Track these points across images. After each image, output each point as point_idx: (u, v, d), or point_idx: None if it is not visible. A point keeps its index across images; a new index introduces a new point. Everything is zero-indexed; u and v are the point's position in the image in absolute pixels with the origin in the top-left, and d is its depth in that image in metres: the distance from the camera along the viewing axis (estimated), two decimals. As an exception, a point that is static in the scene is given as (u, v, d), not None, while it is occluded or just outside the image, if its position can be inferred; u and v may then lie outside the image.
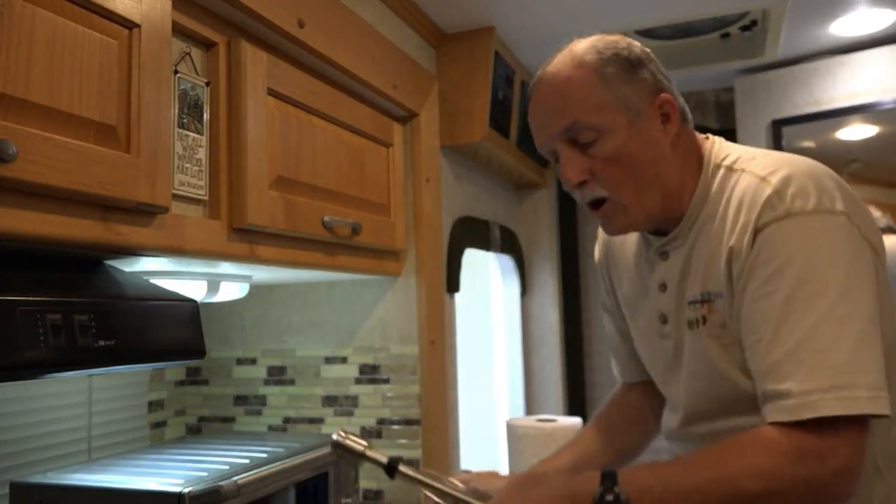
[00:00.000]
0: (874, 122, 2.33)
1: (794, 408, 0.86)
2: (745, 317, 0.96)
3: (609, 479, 0.86)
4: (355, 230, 1.44)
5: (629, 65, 1.02)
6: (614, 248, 1.24)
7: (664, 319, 1.10)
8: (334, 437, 1.06)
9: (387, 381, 1.73)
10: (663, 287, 1.10)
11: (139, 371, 1.69)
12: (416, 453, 1.70)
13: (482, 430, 2.54)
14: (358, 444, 1.05)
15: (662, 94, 1.03)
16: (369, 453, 1.04)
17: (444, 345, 1.86)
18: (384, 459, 1.03)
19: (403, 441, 1.71)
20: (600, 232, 1.27)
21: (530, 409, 2.71)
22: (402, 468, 1.02)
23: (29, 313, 0.80)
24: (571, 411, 2.75)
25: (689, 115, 1.09)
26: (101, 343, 0.88)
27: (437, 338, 1.80)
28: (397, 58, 1.70)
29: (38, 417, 1.42)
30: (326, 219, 1.35)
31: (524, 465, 1.80)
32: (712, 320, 1.02)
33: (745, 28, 2.06)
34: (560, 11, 1.91)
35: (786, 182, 0.95)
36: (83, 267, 1.00)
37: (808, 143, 2.36)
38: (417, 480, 1.02)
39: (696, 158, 1.07)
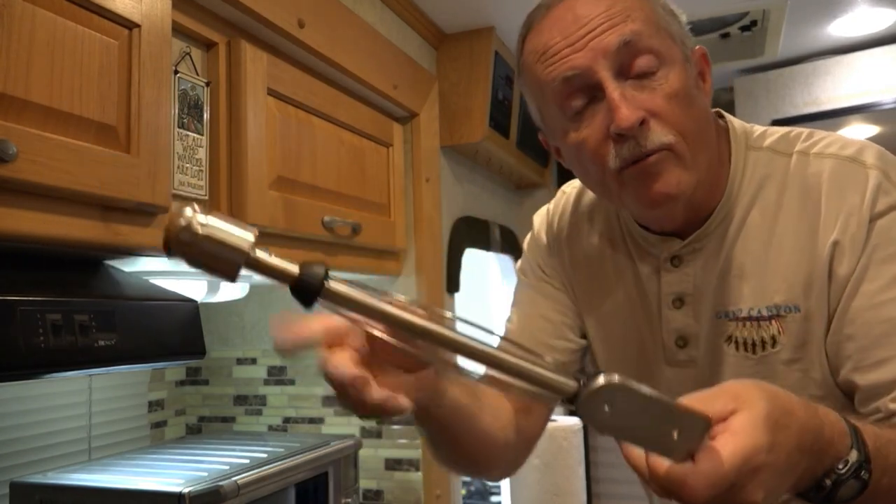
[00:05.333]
0: (874, 122, 2.33)
1: None
2: (856, 328, 0.76)
3: (861, 442, 0.63)
4: (355, 230, 1.44)
5: (670, 7, 0.83)
6: (570, 249, 0.98)
7: (683, 342, 0.88)
8: (168, 229, 0.51)
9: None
10: (679, 302, 0.87)
11: (139, 371, 1.69)
12: (416, 453, 1.70)
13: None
14: (232, 231, 0.53)
15: (699, 47, 0.83)
16: (261, 257, 0.56)
17: (444, 345, 1.85)
18: (293, 269, 0.56)
19: (403, 441, 1.71)
20: (541, 223, 1.03)
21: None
22: (332, 286, 0.56)
23: (29, 313, 0.80)
24: (571, 411, 2.75)
25: None
26: (102, 343, 0.88)
27: (437, 338, 1.80)
28: (397, 58, 1.70)
29: (38, 417, 1.42)
30: (326, 219, 1.35)
31: (524, 465, 1.80)
32: (784, 342, 0.81)
33: (745, 28, 2.06)
34: (560, 11, 1.91)
35: (885, 161, 0.79)
36: (83, 267, 1.00)
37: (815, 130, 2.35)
38: (360, 306, 0.55)
39: (723, 140, 0.86)
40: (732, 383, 0.59)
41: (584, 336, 0.99)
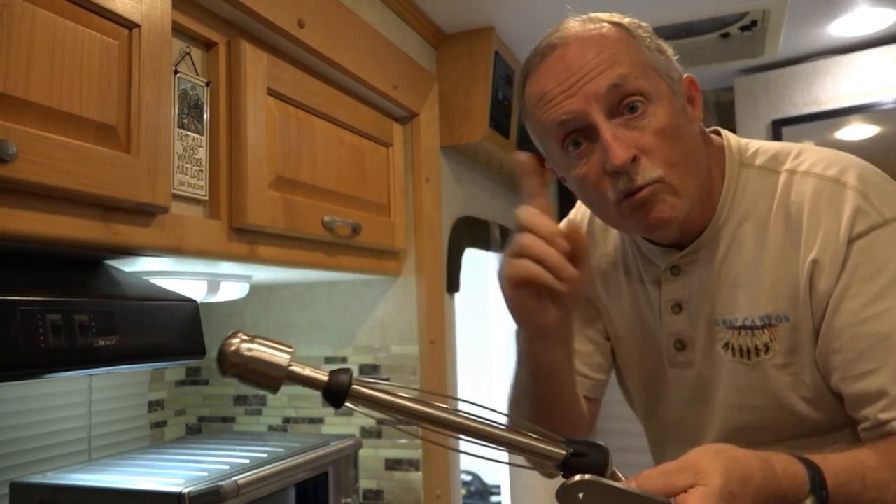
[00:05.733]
0: (874, 122, 2.33)
1: None
2: (843, 342, 0.82)
3: (819, 486, 0.72)
4: (355, 230, 1.44)
5: (655, 40, 0.89)
6: (594, 258, 1.04)
7: (681, 345, 0.95)
8: (220, 351, 0.62)
9: (387, 380, 1.73)
10: (677, 308, 0.94)
11: (139, 371, 1.69)
12: (416, 453, 1.70)
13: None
14: (275, 350, 0.63)
15: (687, 75, 0.89)
16: (297, 370, 0.64)
17: (444, 345, 1.86)
18: (322, 377, 0.64)
19: (403, 441, 1.71)
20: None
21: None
22: (356, 390, 0.64)
23: (29, 313, 0.80)
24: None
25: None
26: (102, 343, 0.88)
27: (437, 338, 1.80)
28: (397, 58, 1.70)
29: (38, 417, 1.42)
30: (326, 219, 1.35)
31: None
32: (777, 348, 0.87)
33: (745, 28, 2.06)
34: (560, 12, 1.90)
35: (864, 182, 0.84)
36: (83, 267, 1.00)
37: (809, 144, 2.35)
38: (383, 404, 0.65)
39: (714, 157, 0.92)
40: (697, 455, 0.68)
41: (607, 337, 1.07)
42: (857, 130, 2.35)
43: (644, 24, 0.90)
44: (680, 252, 0.93)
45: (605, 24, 0.86)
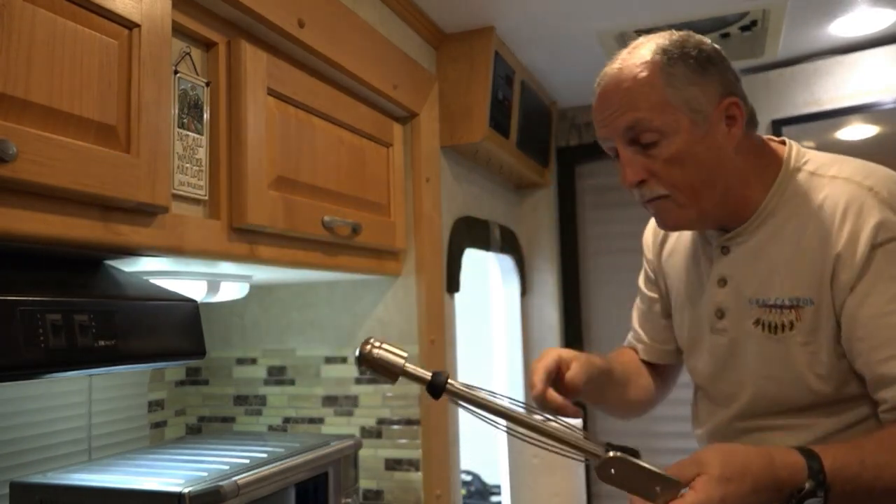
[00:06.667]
0: (874, 122, 2.33)
1: None
2: (867, 331, 0.97)
3: (816, 471, 0.86)
4: (355, 230, 1.44)
5: (697, 65, 1.01)
6: (670, 235, 1.26)
7: (721, 314, 1.11)
8: (358, 351, 0.89)
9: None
10: (722, 282, 1.11)
11: (139, 371, 1.69)
12: (416, 453, 1.70)
13: (482, 430, 2.54)
14: (395, 355, 0.89)
15: (730, 98, 1.03)
16: (409, 370, 0.89)
17: (444, 345, 1.86)
18: (427, 375, 0.89)
19: (403, 441, 1.71)
20: (649, 226, 1.31)
21: (530, 409, 2.70)
22: (451, 387, 0.88)
23: (29, 313, 0.80)
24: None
25: (757, 119, 1.09)
26: (102, 343, 0.88)
27: (437, 338, 1.80)
28: (397, 58, 1.70)
29: (38, 417, 1.42)
30: (326, 219, 1.35)
31: (524, 465, 1.80)
32: (800, 327, 1.03)
33: (745, 28, 2.06)
34: (559, 11, 1.91)
35: (894, 194, 0.99)
36: (83, 267, 1.00)
37: (808, 144, 2.35)
38: (470, 400, 0.88)
39: (769, 161, 1.08)
40: (704, 451, 0.87)
41: (668, 315, 1.29)
42: (857, 130, 2.35)
43: (691, 47, 1.03)
44: (727, 234, 1.11)
45: (639, 62, 1.02)
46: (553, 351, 1.08)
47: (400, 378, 0.90)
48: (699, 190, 1.03)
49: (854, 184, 1.01)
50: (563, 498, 1.79)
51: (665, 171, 1.02)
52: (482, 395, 0.89)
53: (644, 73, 1.01)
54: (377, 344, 0.90)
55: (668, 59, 1.01)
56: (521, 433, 0.89)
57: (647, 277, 1.33)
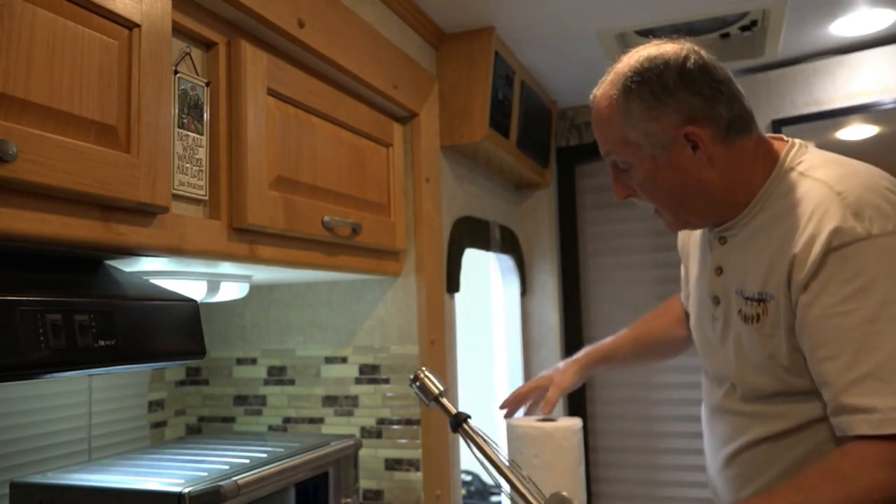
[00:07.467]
0: (874, 122, 2.33)
1: (882, 422, 0.92)
2: (812, 330, 1.00)
3: None
4: (355, 230, 1.44)
5: (652, 97, 1.05)
6: (689, 235, 1.34)
7: (717, 301, 1.17)
8: (416, 375, 1.16)
9: (387, 381, 1.73)
10: (719, 270, 1.17)
11: (139, 371, 1.69)
12: (416, 453, 1.70)
13: (482, 430, 2.54)
14: (435, 386, 1.15)
15: (688, 127, 1.05)
16: (442, 400, 1.14)
17: (444, 345, 1.86)
18: (453, 411, 1.12)
19: (403, 441, 1.71)
20: None
21: (530, 409, 2.71)
22: (466, 426, 1.10)
23: (29, 313, 0.80)
24: (572, 411, 2.75)
25: (747, 122, 1.08)
26: (102, 343, 0.88)
27: (437, 338, 1.80)
28: (397, 58, 1.70)
29: (38, 417, 1.42)
30: (326, 219, 1.35)
31: (524, 465, 1.79)
32: (764, 320, 1.07)
33: (745, 28, 2.06)
34: (560, 11, 1.91)
35: (861, 200, 0.99)
36: (83, 267, 1.00)
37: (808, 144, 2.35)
38: (475, 443, 1.09)
39: (764, 161, 1.10)
40: None
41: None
42: (857, 130, 2.35)
43: (654, 74, 1.05)
44: (723, 225, 1.16)
45: (605, 96, 1.10)
46: (532, 384, 1.46)
47: (431, 403, 1.15)
48: (675, 206, 1.12)
49: (827, 187, 1.02)
50: None
51: (642, 191, 1.13)
52: (487, 445, 1.09)
53: (607, 111, 1.10)
54: (426, 372, 1.16)
55: (626, 96, 1.06)
56: (503, 485, 1.06)
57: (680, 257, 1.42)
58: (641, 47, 1.10)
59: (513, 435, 1.44)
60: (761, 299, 1.07)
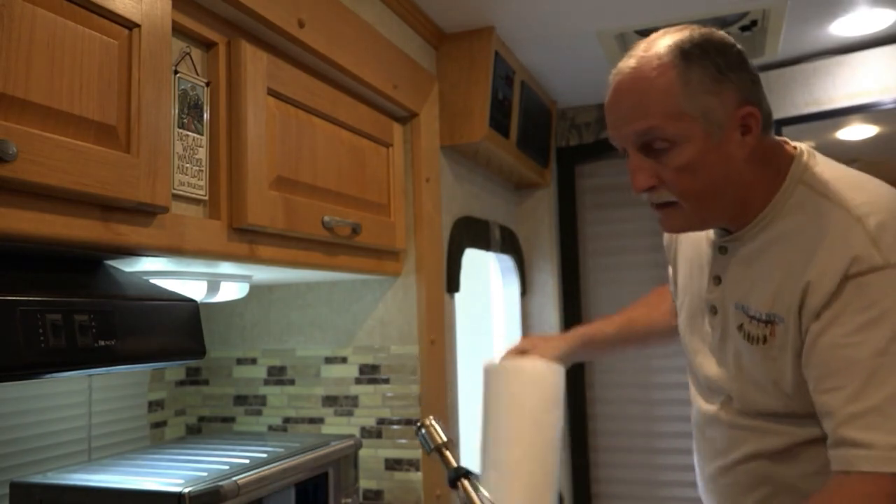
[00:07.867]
0: (874, 122, 2.33)
1: (880, 459, 0.89)
2: (821, 359, 0.95)
3: None
4: (355, 230, 1.44)
5: (717, 70, 0.96)
6: (680, 238, 1.28)
7: (714, 310, 1.11)
8: (423, 422, 1.16)
9: (387, 381, 1.73)
10: (717, 280, 1.11)
11: (139, 371, 1.69)
12: (416, 453, 1.70)
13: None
14: (439, 436, 1.14)
15: (747, 107, 0.98)
16: (444, 451, 1.13)
17: (444, 345, 1.86)
18: (453, 464, 1.11)
19: (403, 441, 1.71)
20: None
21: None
22: (463, 483, 1.09)
23: (29, 313, 0.80)
24: (572, 411, 2.76)
25: (772, 122, 1.04)
26: (101, 343, 0.88)
27: (437, 338, 1.80)
28: (397, 58, 1.70)
29: (38, 417, 1.42)
30: (326, 219, 1.35)
31: (493, 405, 1.59)
32: (772, 342, 1.02)
33: (745, 28, 2.06)
34: (559, 11, 1.91)
35: (883, 228, 0.94)
36: (83, 267, 1.00)
37: (808, 144, 2.35)
38: (471, 501, 1.08)
39: (776, 168, 1.04)
40: None
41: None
42: (857, 130, 2.35)
43: (713, 49, 0.97)
44: (727, 236, 1.10)
45: (656, 63, 0.97)
46: (526, 339, 1.40)
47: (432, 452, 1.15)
48: (706, 199, 1.01)
49: (845, 211, 0.97)
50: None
51: (675, 178, 0.99)
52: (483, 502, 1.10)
53: (660, 78, 0.96)
54: (433, 421, 1.16)
55: (687, 63, 0.96)
56: None
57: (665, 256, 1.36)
58: (673, 28, 1.01)
59: (486, 378, 1.34)
60: (769, 321, 1.01)
